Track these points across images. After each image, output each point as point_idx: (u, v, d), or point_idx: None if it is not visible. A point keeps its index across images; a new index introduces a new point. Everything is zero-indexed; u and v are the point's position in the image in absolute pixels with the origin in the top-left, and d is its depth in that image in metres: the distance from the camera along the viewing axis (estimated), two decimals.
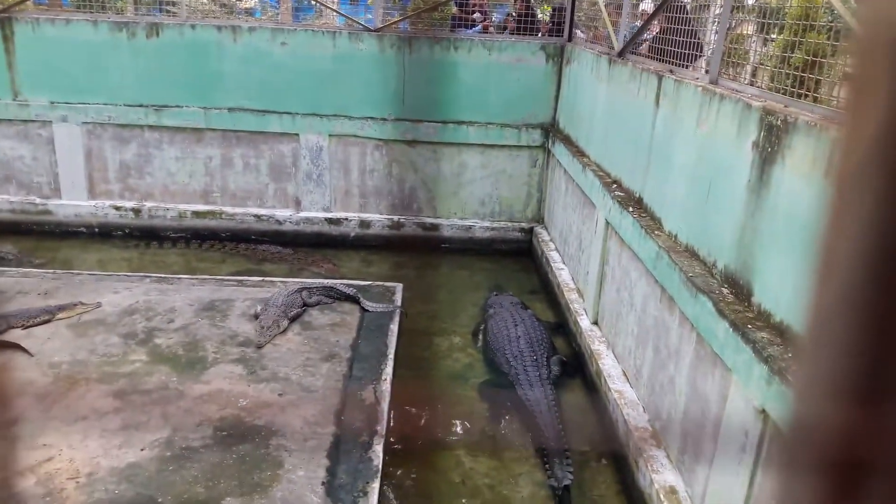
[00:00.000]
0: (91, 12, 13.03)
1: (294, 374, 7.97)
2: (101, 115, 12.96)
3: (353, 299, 9.96)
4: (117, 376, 7.69)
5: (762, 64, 6.83)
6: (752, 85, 6.45)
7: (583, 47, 11.82)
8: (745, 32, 7.36)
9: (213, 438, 6.71)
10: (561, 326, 10.62)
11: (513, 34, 13.32)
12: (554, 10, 13.78)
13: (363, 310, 9.78)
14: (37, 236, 13.24)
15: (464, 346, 10.06)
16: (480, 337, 10.13)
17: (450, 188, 13.44)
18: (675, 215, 7.20)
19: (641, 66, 8.60)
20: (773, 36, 6.51)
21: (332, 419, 7.17)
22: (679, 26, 8.02)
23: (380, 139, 13.16)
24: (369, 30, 12.71)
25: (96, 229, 13.49)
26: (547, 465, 7.37)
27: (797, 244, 4.82)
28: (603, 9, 10.73)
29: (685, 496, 6.30)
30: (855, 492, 0.61)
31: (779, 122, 5.18)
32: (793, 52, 5.68)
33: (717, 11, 7.35)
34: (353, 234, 13.59)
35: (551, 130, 12.96)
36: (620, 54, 9.49)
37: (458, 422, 8.33)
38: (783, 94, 5.66)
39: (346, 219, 13.56)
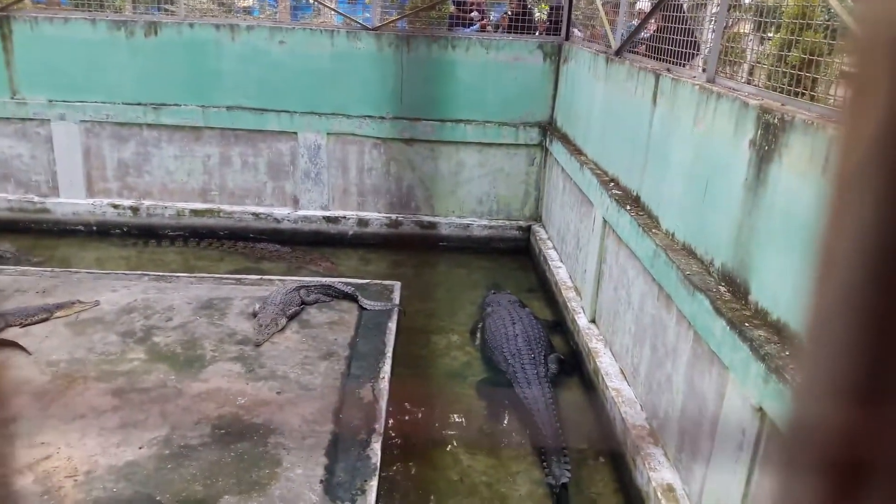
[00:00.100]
0: (89, 11, 13.01)
1: (292, 372, 7.98)
2: (99, 113, 12.95)
3: (351, 297, 9.97)
4: (115, 374, 7.69)
5: (759, 62, 6.83)
6: (749, 83, 6.46)
7: (580, 46, 11.83)
8: (741, 31, 7.36)
9: (211, 437, 6.71)
10: (558, 325, 10.63)
11: (507, 32, 13.32)
12: (551, 8, 13.78)
13: (361, 308, 9.78)
14: (35, 235, 13.23)
15: (462, 344, 10.07)
16: (478, 335, 10.13)
17: (448, 187, 13.44)
18: (672, 213, 7.21)
19: (639, 64, 8.60)
20: (770, 34, 6.51)
21: (330, 417, 7.18)
22: (676, 25, 8.03)
23: (378, 138, 13.16)
24: (367, 28, 12.71)
25: (94, 228, 13.48)
26: (545, 463, 7.38)
27: (794, 242, 4.84)
28: (600, 7, 10.73)
29: (682, 494, 6.32)
30: (855, 492, 0.61)
31: (776, 121, 5.19)
32: (790, 51, 5.69)
33: (714, 10, 7.36)
34: (351, 233, 13.60)
35: (549, 129, 12.96)
36: (618, 53, 9.49)
37: (455, 420, 8.34)
38: (780, 92, 5.67)
39: (345, 217, 13.56)
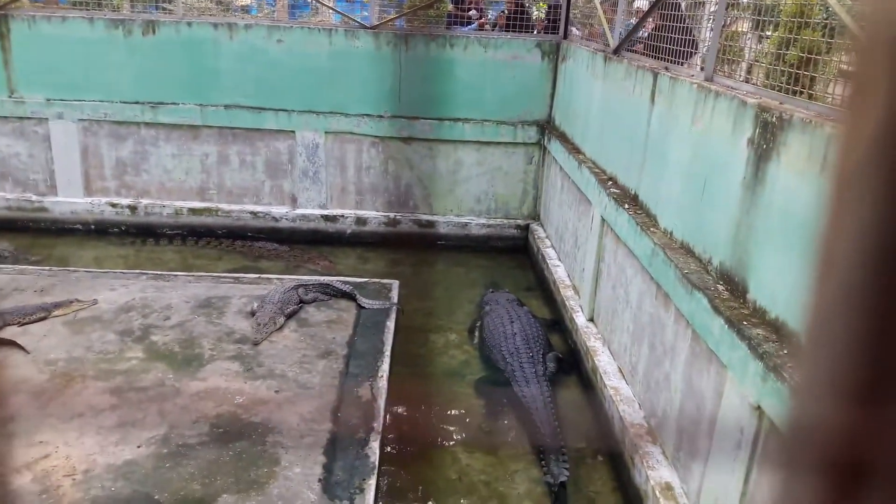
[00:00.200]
0: (87, 10, 12.99)
1: (290, 370, 7.98)
2: (97, 112, 12.94)
3: (349, 296, 9.97)
4: (113, 373, 7.68)
5: (757, 61, 6.84)
6: (747, 82, 6.46)
7: (578, 44, 11.83)
8: (739, 29, 7.36)
9: (209, 435, 6.71)
10: (557, 323, 10.63)
11: (503, 31, 13.31)
12: (550, 7, 13.78)
13: (360, 307, 9.79)
14: (33, 233, 13.22)
15: (460, 342, 10.07)
16: (477, 334, 10.13)
17: (446, 185, 13.44)
18: (670, 212, 7.21)
19: (637, 63, 8.61)
20: (768, 33, 6.51)
21: (328, 416, 7.18)
22: (674, 23, 8.03)
23: (376, 136, 13.15)
24: (365, 27, 12.70)
25: (92, 226, 13.47)
26: (543, 462, 7.38)
27: (792, 241, 4.84)
28: (598, 6, 10.74)
29: (681, 492, 6.32)
30: (855, 492, 0.61)
31: (774, 119, 5.19)
32: (788, 49, 5.69)
33: (713, 8, 7.36)
34: (349, 231, 13.59)
35: (547, 127, 12.96)
36: (616, 52, 9.49)
37: (454, 418, 8.34)
38: (778, 91, 5.67)
39: (343, 216, 13.55)
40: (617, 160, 9.10)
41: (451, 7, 14.31)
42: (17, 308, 8.81)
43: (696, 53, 7.77)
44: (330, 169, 13.36)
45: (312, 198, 13.48)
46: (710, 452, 5.79)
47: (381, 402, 7.55)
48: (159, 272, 10.74)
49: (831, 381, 0.63)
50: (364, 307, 9.77)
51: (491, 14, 15.12)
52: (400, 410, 8.19)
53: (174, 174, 13.44)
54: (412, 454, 7.68)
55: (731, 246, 5.81)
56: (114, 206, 13.46)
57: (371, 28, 12.65)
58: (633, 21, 9.59)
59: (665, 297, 6.87)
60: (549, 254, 12.16)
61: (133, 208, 13.48)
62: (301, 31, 12.72)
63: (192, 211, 13.50)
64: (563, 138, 11.83)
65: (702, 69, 7.05)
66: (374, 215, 13.57)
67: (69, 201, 13.39)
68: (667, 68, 7.85)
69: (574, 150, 11.04)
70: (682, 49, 7.78)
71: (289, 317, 9.15)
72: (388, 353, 8.62)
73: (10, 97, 12.86)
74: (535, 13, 15.19)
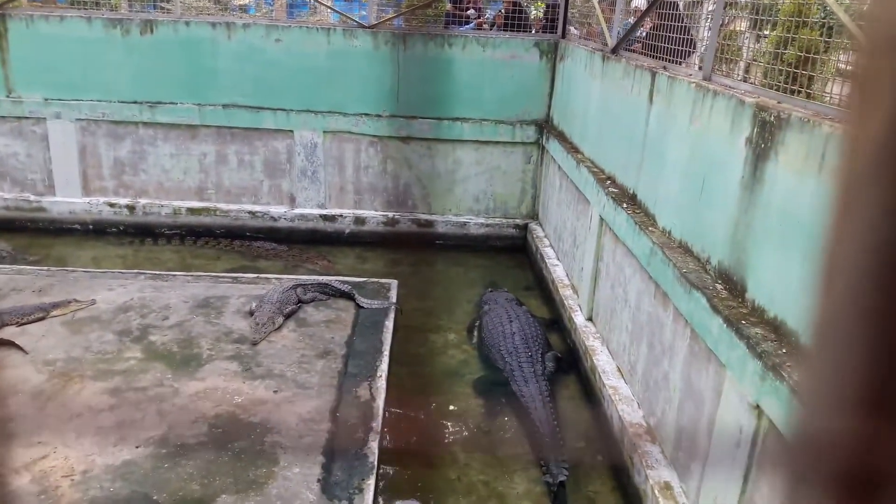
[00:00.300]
0: (85, 9, 12.99)
1: (289, 370, 7.97)
2: (95, 111, 12.93)
3: (348, 296, 9.96)
4: (112, 374, 7.68)
5: (755, 60, 6.84)
6: (745, 81, 6.46)
7: (576, 44, 11.83)
8: (738, 29, 7.36)
9: (208, 436, 6.71)
10: (555, 323, 10.63)
11: (501, 30, 13.31)
12: (548, 6, 13.78)
13: (358, 306, 9.78)
14: (31, 233, 13.21)
15: (459, 342, 10.06)
16: (475, 333, 10.13)
17: (444, 185, 13.44)
18: (668, 211, 7.21)
19: (635, 62, 8.60)
20: (766, 32, 6.51)
21: (327, 416, 7.17)
22: (672, 23, 8.02)
23: (374, 136, 13.15)
24: (364, 26, 12.70)
25: (90, 226, 13.46)
26: (542, 462, 7.38)
27: (791, 240, 4.84)
28: (596, 5, 10.74)
29: (680, 492, 6.32)
30: (868, 502, 0.61)
31: (772, 119, 5.19)
32: (786, 49, 5.69)
33: (711, 7, 7.36)
34: (347, 231, 13.59)
35: (545, 127, 12.96)
36: (614, 51, 9.49)
37: (453, 418, 8.34)
38: (776, 90, 5.67)
39: (341, 215, 13.55)
40: (615, 159, 9.10)
41: (449, 6, 14.30)
42: (15, 308, 8.80)
43: (694, 53, 7.77)
44: (328, 168, 13.36)
45: (311, 197, 13.48)
46: (709, 452, 5.79)
47: (380, 402, 7.55)
48: (158, 272, 10.73)
49: (839, 389, 0.62)
50: (363, 307, 9.77)
51: (489, 13, 15.12)
52: (399, 410, 8.19)
53: (172, 174, 13.43)
54: (411, 454, 7.68)
55: (729, 245, 5.81)
56: (112, 205, 13.45)
57: (369, 27, 12.65)
58: (632, 20, 9.59)
59: (664, 296, 6.88)
60: (548, 253, 12.16)
61: (131, 208, 13.48)
62: (299, 30, 12.71)
63: (191, 211, 13.49)
64: (562, 137, 11.83)
65: (700, 68, 7.05)
66: (373, 215, 13.57)
67: (67, 201, 13.39)
68: (665, 67, 7.84)
69: (572, 149, 11.04)
70: (680, 48, 7.78)
71: (287, 317, 9.14)
72: (386, 352, 8.61)
73: (7, 97, 12.85)
74: (534, 12, 15.19)
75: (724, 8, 6.83)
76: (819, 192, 4.52)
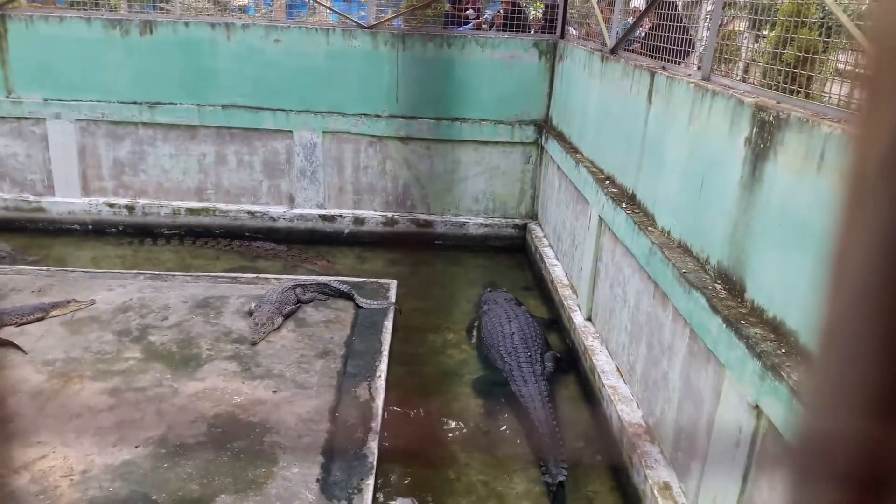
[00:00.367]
0: (84, 10, 12.98)
1: (288, 370, 7.97)
2: (94, 112, 12.93)
3: (347, 296, 9.97)
4: (111, 374, 7.68)
5: (754, 60, 6.84)
6: (744, 81, 6.46)
7: (575, 44, 11.83)
8: (736, 29, 7.37)
9: (207, 436, 6.71)
10: (555, 322, 10.63)
11: (500, 30, 13.31)
12: (547, 6, 13.78)
13: (357, 306, 9.78)
14: (30, 234, 13.21)
15: (458, 342, 10.06)
16: (475, 333, 10.14)
17: (443, 185, 13.44)
18: (668, 211, 7.21)
19: (634, 62, 8.61)
20: (765, 32, 6.52)
21: (326, 416, 7.18)
22: (671, 23, 8.03)
23: (373, 136, 13.15)
24: (363, 27, 12.70)
25: (90, 226, 13.46)
26: (541, 462, 7.38)
27: (790, 240, 4.84)
28: (595, 6, 10.74)
29: (679, 492, 6.33)
30: None
31: (771, 119, 5.19)
32: (785, 49, 5.70)
33: (709, 8, 7.36)
34: (347, 231, 13.59)
35: (544, 127, 12.96)
36: (613, 51, 9.49)
37: (452, 418, 8.34)
38: (775, 90, 5.67)
39: (340, 215, 13.55)
40: (614, 159, 9.10)
41: (448, 6, 14.30)
42: (14, 308, 8.79)
43: (692, 53, 7.78)
44: (328, 169, 13.36)
45: (310, 197, 13.48)
46: (709, 452, 5.79)
47: (379, 402, 7.55)
48: (157, 272, 10.73)
49: (846, 391, 0.62)
50: (362, 307, 9.77)
51: (488, 13, 15.13)
52: (398, 410, 8.18)
53: (172, 174, 13.43)
54: (410, 454, 7.68)
55: (728, 245, 5.81)
56: (111, 206, 13.45)
57: (368, 28, 12.65)
58: (630, 20, 9.59)
59: (663, 296, 6.88)
60: (547, 253, 12.16)
61: (131, 208, 13.47)
62: (298, 30, 12.71)
63: (190, 211, 13.49)
64: (561, 138, 11.83)
65: (699, 68, 7.06)
66: (372, 215, 13.57)
67: (67, 201, 13.38)
68: (664, 67, 7.85)
69: (571, 149, 11.04)
70: (679, 48, 7.78)
71: (286, 317, 9.14)
72: (385, 352, 8.61)
73: (7, 97, 12.85)
74: (533, 13, 15.19)
75: (723, 8, 6.83)
76: (818, 191, 4.52)
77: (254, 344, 8.47)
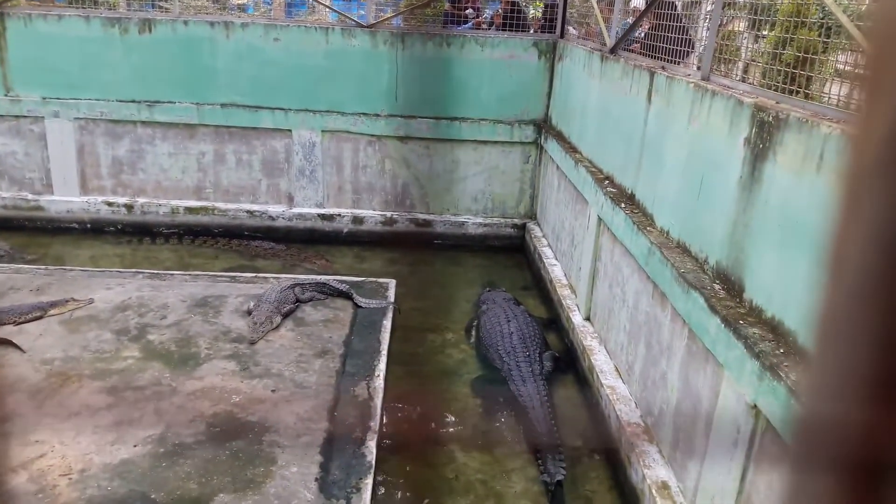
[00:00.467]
0: (83, 8, 12.97)
1: (287, 370, 7.97)
2: (93, 110, 12.92)
3: (346, 295, 9.96)
4: (110, 372, 7.68)
5: (754, 60, 6.84)
6: (743, 81, 6.46)
7: (575, 44, 11.83)
8: (736, 29, 7.37)
9: (205, 435, 6.71)
10: (553, 322, 10.64)
11: (500, 30, 13.31)
12: (546, 6, 13.78)
13: (356, 306, 9.78)
14: (29, 232, 13.20)
15: (457, 342, 10.06)
16: (473, 333, 10.14)
17: (442, 184, 13.44)
18: (667, 211, 7.21)
19: (633, 62, 8.61)
20: (765, 32, 6.52)
21: (325, 415, 7.18)
22: (670, 23, 8.03)
23: (372, 135, 13.15)
24: (362, 26, 12.70)
25: (88, 225, 13.45)
26: (539, 461, 7.39)
27: (789, 240, 4.85)
28: (595, 5, 10.74)
29: (677, 491, 6.33)
30: (874, 492, 0.61)
31: (770, 119, 5.19)
32: (784, 49, 5.70)
33: (709, 8, 7.36)
34: (345, 231, 13.59)
35: (544, 127, 12.97)
36: (612, 51, 9.50)
37: (451, 417, 8.34)
38: (775, 90, 5.67)
39: (339, 215, 13.55)
40: (613, 159, 9.10)
41: (447, 6, 14.29)
42: (13, 307, 8.79)
43: (692, 53, 7.78)
44: (327, 168, 13.36)
45: (309, 197, 13.48)
46: (707, 451, 5.79)
47: (378, 402, 7.55)
48: (155, 271, 10.73)
49: (844, 381, 0.62)
50: (361, 306, 9.77)
51: (487, 13, 15.12)
52: (397, 409, 8.19)
53: (171, 173, 13.43)
54: (409, 453, 7.68)
55: (727, 245, 5.82)
56: (110, 204, 13.44)
57: (368, 27, 12.65)
58: (630, 20, 9.59)
59: (661, 296, 6.88)
60: (546, 253, 12.16)
61: (129, 207, 13.47)
62: (298, 29, 12.71)
63: (189, 210, 13.48)
64: (560, 137, 11.84)
65: (698, 68, 7.06)
66: (371, 214, 13.56)
67: (65, 200, 13.38)
68: (663, 67, 7.85)
69: (571, 149, 11.05)
70: (678, 48, 7.78)
71: (285, 316, 9.14)
72: (384, 352, 8.61)
73: (6, 96, 12.84)
74: (532, 12, 15.18)
75: (723, 8, 6.84)
76: (817, 191, 4.53)
77: (252, 343, 8.47)
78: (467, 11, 14.18)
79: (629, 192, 8.39)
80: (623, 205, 8.19)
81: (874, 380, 0.60)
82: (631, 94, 8.40)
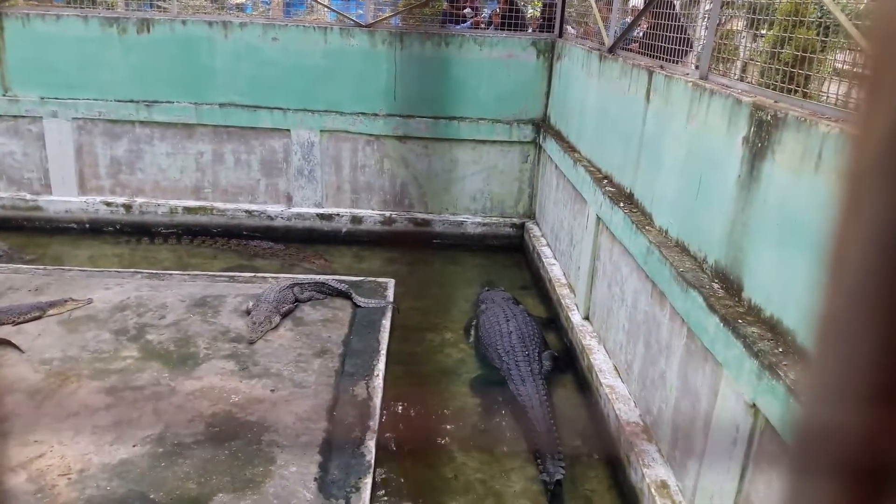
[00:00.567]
0: (82, 8, 12.95)
1: (286, 369, 7.97)
2: (91, 110, 12.91)
3: (345, 295, 9.96)
4: (109, 372, 7.67)
5: (752, 59, 6.84)
6: (742, 80, 6.47)
7: (573, 43, 11.83)
8: (734, 28, 7.37)
9: (204, 434, 6.71)
10: (552, 321, 10.64)
11: (498, 29, 13.30)
12: (545, 5, 13.77)
13: (355, 305, 9.78)
14: (27, 232, 13.19)
15: (456, 341, 10.06)
16: (472, 332, 10.14)
17: (441, 184, 13.44)
18: (665, 210, 7.21)
19: (632, 61, 8.61)
20: (763, 31, 6.52)
21: (324, 415, 7.18)
22: (669, 22, 8.03)
23: (371, 135, 13.15)
24: (361, 25, 12.69)
25: (87, 225, 13.44)
26: (539, 460, 7.39)
27: (787, 239, 4.85)
28: (593, 4, 10.74)
29: (676, 490, 6.33)
30: (874, 496, 0.61)
31: (768, 118, 5.19)
32: (782, 48, 5.70)
33: (707, 7, 7.36)
34: (344, 230, 13.58)
35: (542, 126, 12.97)
36: (611, 50, 9.50)
37: (450, 417, 8.34)
38: (773, 89, 5.68)
39: (338, 214, 13.55)
40: (612, 159, 9.11)
41: (445, 5, 14.29)
42: (11, 307, 8.79)
43: (690, 52, 7.78)
44: (325, 167, 13.35)
45: (308, 196, 13.48)
46: (706, 450, 5.80)
47: (377, 401, 7.55)
48: (154, 271, 10.72)
49: (844, 383, 0.62)
50: (360, 306, 9.77)
51: (486, 12, 15.12)
52: (396, 409, 8.19)
53: (169, 173, 13.42)
54: (408, 453, 7.68)
55: (726, 244, 5.82)
56: (108, 204, 13.43)
57: (366, 26, 12.64)
58: (629, 19, 9.59)
59: (660, 295, 6.88)
60: (545, 252, 12.16)
61: (128, 207, 13.46)
62: (296, 29, 12.70)
63: (187, 210, 13.48)
64: (559, 137, 11.84)
65: (697, 68, 7.06)
66: (370, 214, 13.56)
67: (64, 200, 13.36)
68: (662, 67, 7.85)
69: (569, 148, 11.05)
70: (677, 47, 7.78)
71: (284, 315, 9.14)
72: (383, 351, 8.61)
73: (4, 96, 12.83)
74: (531, 11, 15.18)
75: (721, 7, 6.84)
76: (816, 191, 4.53)
77: (251, 343, 8.46)
78: (465, 11, 14.17)
79: (628, 191, 8.40)
80: (622, 204, 8.19)
81: (874, 381, 0.60)
82: (629, 93, 8.40)
